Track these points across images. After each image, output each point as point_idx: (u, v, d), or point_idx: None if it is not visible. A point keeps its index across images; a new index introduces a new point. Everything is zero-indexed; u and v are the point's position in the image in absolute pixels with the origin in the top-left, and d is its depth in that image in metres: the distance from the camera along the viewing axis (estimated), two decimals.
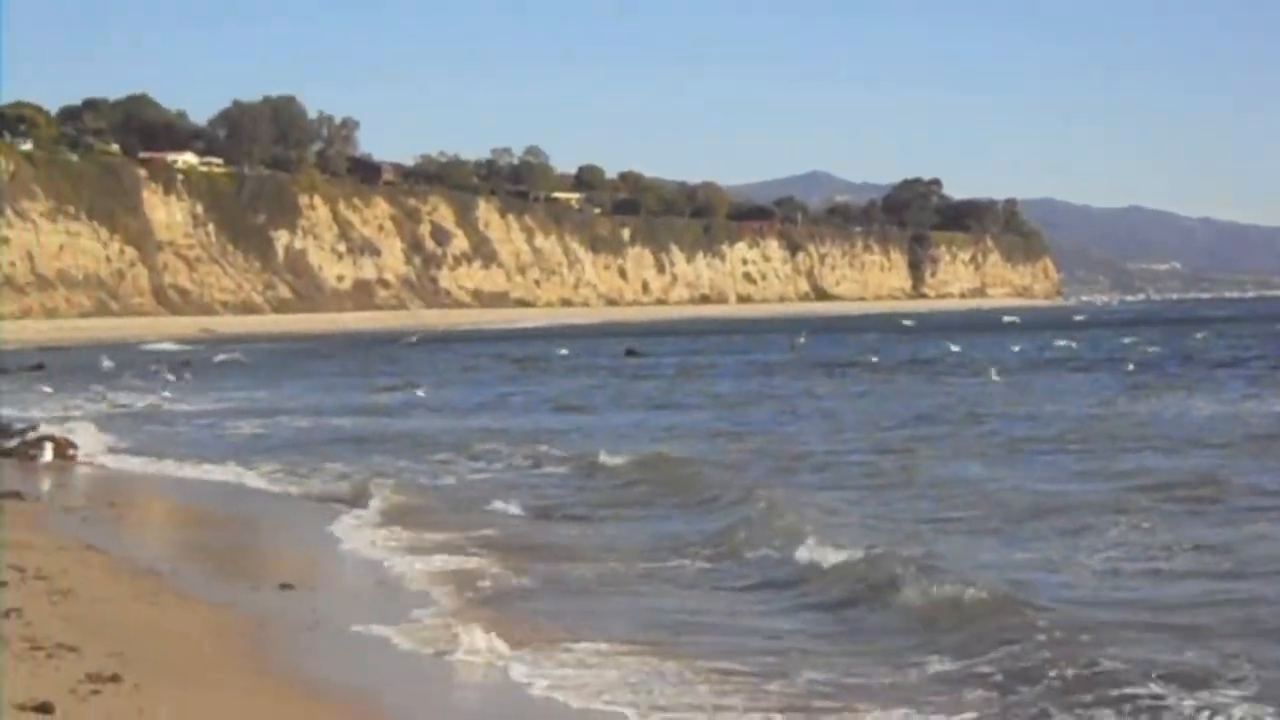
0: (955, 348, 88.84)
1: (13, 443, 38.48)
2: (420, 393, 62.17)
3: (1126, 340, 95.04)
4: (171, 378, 71.20)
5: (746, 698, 14.49)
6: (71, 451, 37.83)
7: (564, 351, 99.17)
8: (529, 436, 42.81)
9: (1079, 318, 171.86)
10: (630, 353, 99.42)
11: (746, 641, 17.05)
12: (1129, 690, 14.01)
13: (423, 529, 25.42)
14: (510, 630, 16.97)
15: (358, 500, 29.28)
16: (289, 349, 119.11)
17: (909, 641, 16.87)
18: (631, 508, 28.55)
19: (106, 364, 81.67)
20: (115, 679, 13.96)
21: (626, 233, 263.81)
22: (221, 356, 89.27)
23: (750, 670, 15.56)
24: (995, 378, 63.32)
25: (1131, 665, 14.69)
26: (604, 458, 35.19)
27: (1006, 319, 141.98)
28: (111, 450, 39.60)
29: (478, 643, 16.16)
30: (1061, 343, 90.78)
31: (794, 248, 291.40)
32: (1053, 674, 14.70)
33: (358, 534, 25.11)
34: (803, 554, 21.54)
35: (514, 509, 28.14)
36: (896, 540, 22.46)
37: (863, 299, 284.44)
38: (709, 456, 36.05)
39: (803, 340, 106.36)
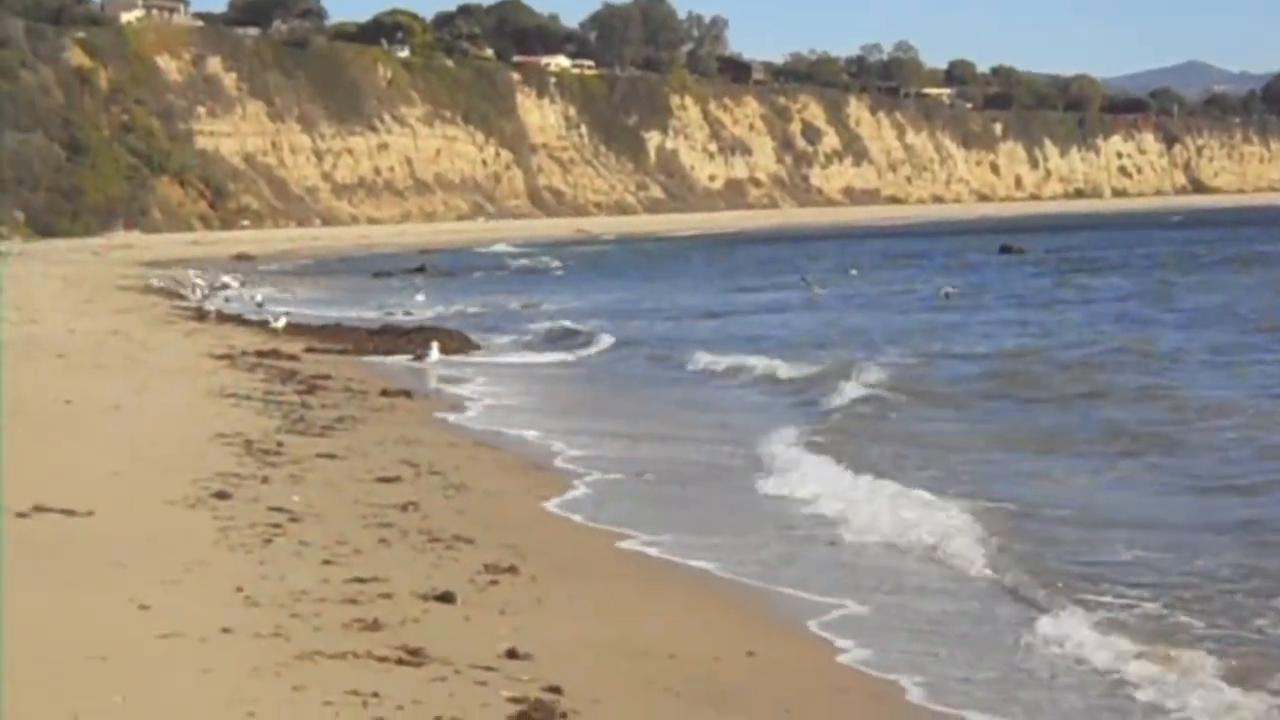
0: None
1: (401, 342, 39.56)
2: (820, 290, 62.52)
3: None
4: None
5: None
6: (459, 348, 38.67)
7: (933, 247, 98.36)
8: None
9: None
10: (1005, 249, 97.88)
11: None
12: None
13: None
14: None
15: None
16: (679, 248, 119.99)
17: None
18: None
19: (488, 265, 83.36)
20: (512, 570, 14.31)
21: (998, 128, 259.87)
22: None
23: None
24: None
25: None
26: None
27: None
28: (500, 348, 40.46)
29: None
30: None
31: (1170, 140, 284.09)
32: None
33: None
34: None
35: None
36: None
37: (1241, 191, 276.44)
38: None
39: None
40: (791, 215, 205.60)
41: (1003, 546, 16.02)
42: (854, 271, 78.27)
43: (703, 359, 35.95)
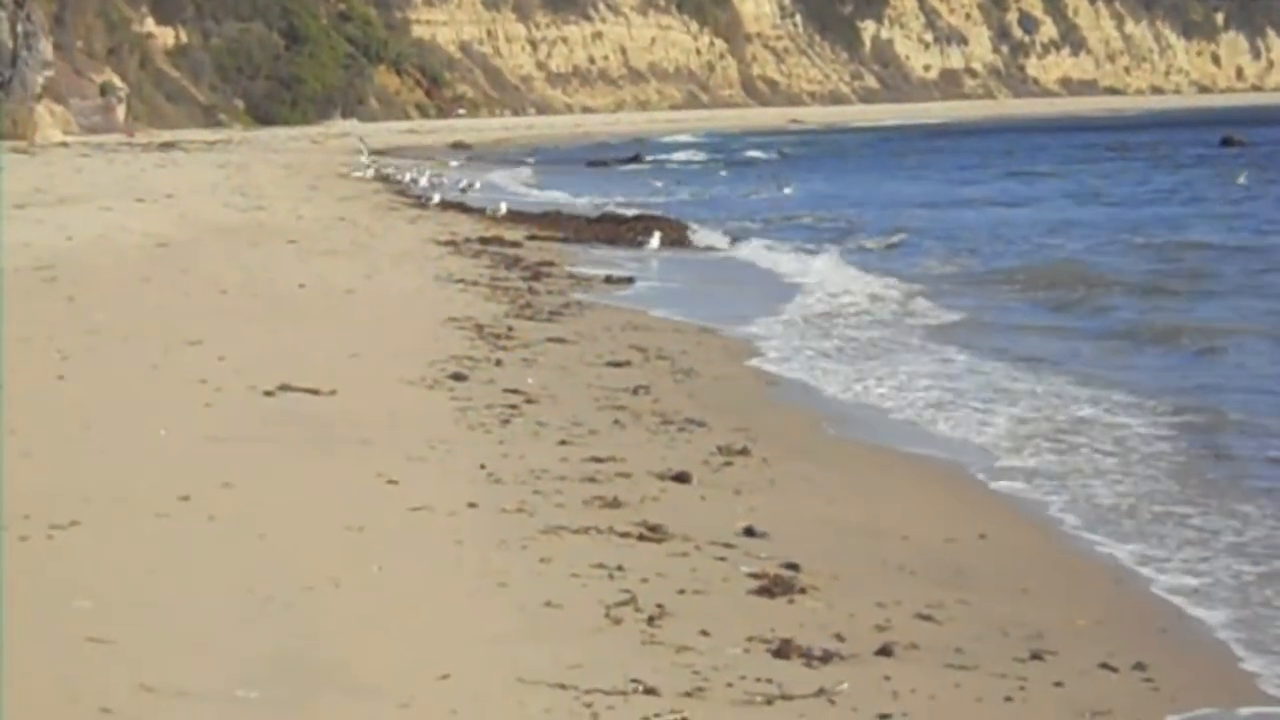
0: None
1: (622, 230, 39.88)
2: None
3: None
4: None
5: None
6: (679, 237, 38.89)
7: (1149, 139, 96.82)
8: None
9: None
10: (1226, 142, 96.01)
11: None
12: None
13: None
14: None
15: None
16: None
17: None
18: None
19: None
20: (744, 452, 14.56)
21: (1220, 17, 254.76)
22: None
23: None
24: None
25: None
26: None
27: None
28: (724, 234, 40.63)
29: None
30: None
31: None
32: None
33: None
34: None
35: None
36: None
37: None
38: None
39: None
40: (1007, 106, 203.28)
41: None
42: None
43: None
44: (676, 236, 39.01)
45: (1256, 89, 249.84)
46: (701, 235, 40.12)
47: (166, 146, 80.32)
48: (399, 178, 62.73)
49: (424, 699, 7.91)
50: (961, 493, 14.16)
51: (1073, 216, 47.46)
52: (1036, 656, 9.45)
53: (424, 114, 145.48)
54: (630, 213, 45.06)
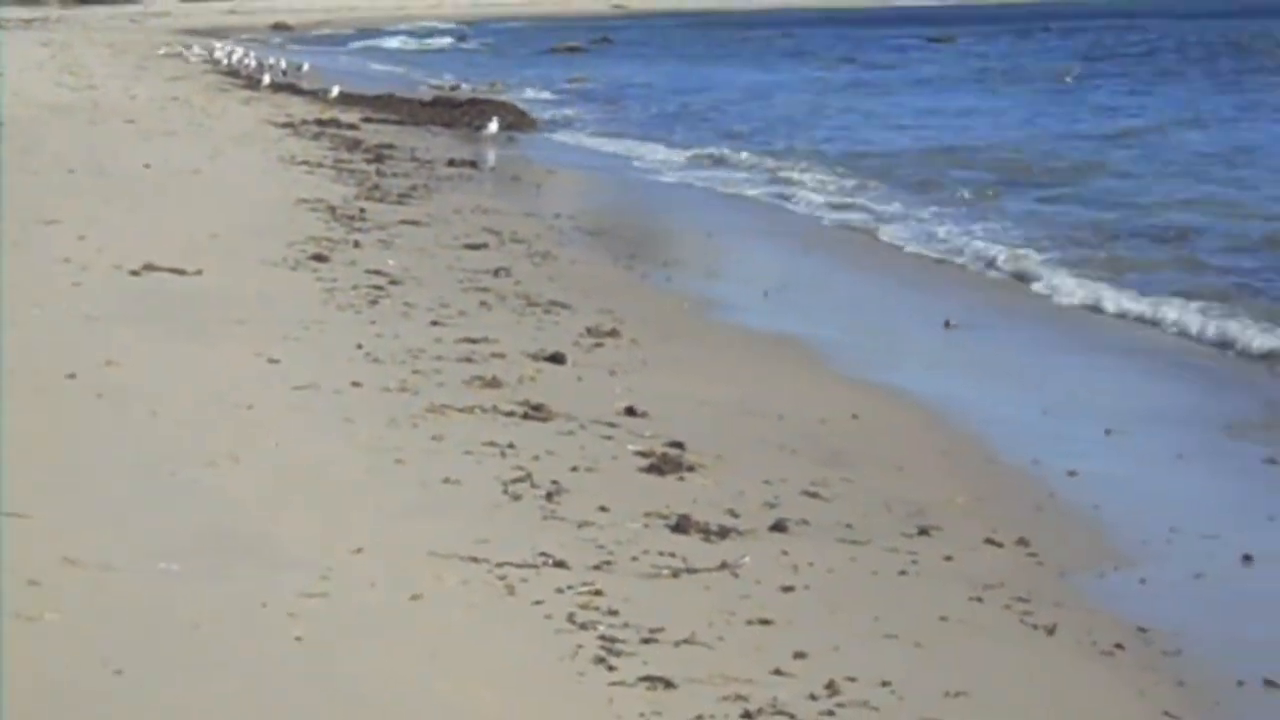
0: None
1: (457, 114, 39.70)
2: None
3: None
4: None
5: None
6: (515, 123, 38.82)
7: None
8: None
9: None
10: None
11: None
12: None
13: None
14: None
15: None
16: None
17: None
18: None
19: None
20: (614, 333, 14.72)
21: None
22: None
23: None
24: None
25: None
26: None
27: None
28: (561, 125, 40.70)
29: None
30: None
31: None
32: None
33: None
34: None
35: None
36: None
37: None
38: None
39: None
40: None
41: None
42: None
43: None
44: (514, 120, 38.95)
45: None
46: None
47: None
48: (227, 60, 61.80)
49: (342, 571, 8.02)
50: (826, 375, 14.45)
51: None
52: (924, 532, 9.74)
53: None
54: (462, 97, 44.96)
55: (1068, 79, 55.77)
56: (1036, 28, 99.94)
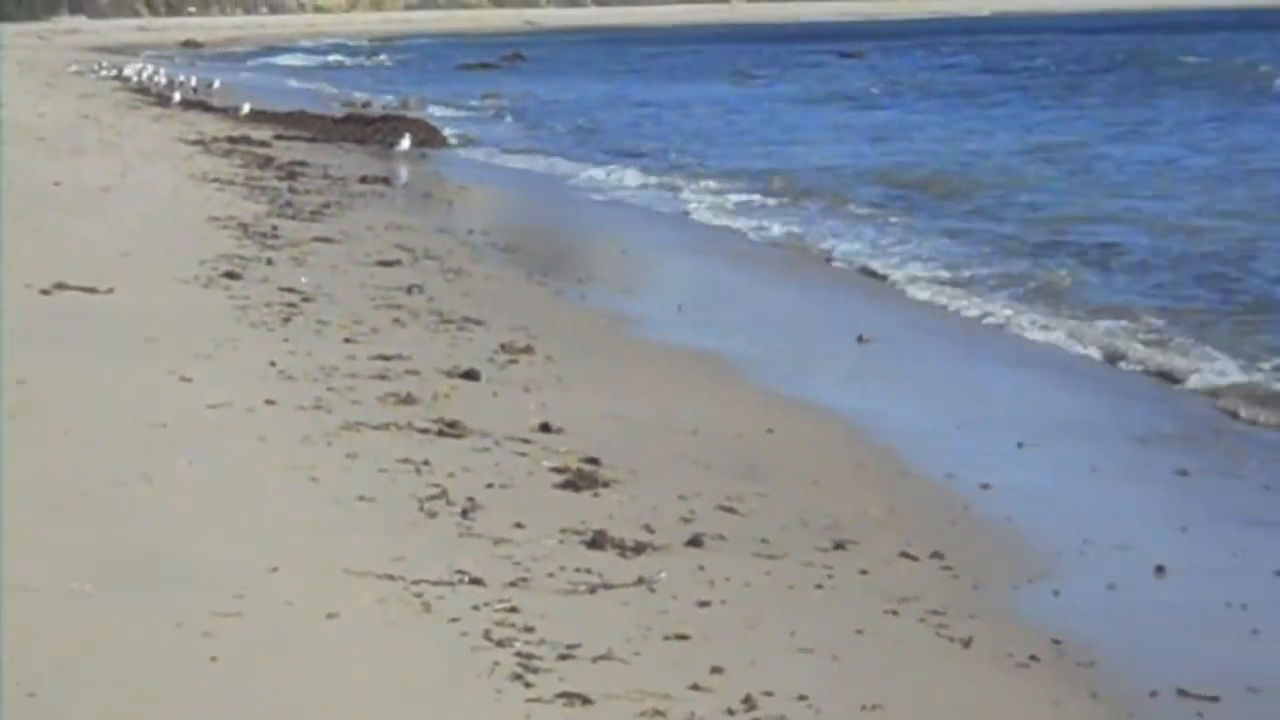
0: None
1: (369, 131, 39.59)
2: None
3: None
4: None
5: None
6: (427, 139, 38.74)
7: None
8: None
9: None
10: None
11: None
12: None
13: None
14: None
15: None
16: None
17: None
18: None
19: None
20: (528, 350, 14.70)
21: None
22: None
23: None
24: None
25: None
26: None
27: None
28: (474, 142, 40.65)
29: None
30: None
31: None
32: None
33: None
34: None
35: None
36: None
37: None
38: None
39: None
40: (740, 12, 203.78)
41: None
42: None
43: None
44: (426, 137, 38.90)
45: None
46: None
47: None
48: (137, 77, 61.46)
49: (257, 590, 7.98)
50: (741, 389, 14.49)
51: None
52: (839, 546, 9.76)
53: (154, 11, 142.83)
54: (374, 114, 44.89)
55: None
56: (940, 42, 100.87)
